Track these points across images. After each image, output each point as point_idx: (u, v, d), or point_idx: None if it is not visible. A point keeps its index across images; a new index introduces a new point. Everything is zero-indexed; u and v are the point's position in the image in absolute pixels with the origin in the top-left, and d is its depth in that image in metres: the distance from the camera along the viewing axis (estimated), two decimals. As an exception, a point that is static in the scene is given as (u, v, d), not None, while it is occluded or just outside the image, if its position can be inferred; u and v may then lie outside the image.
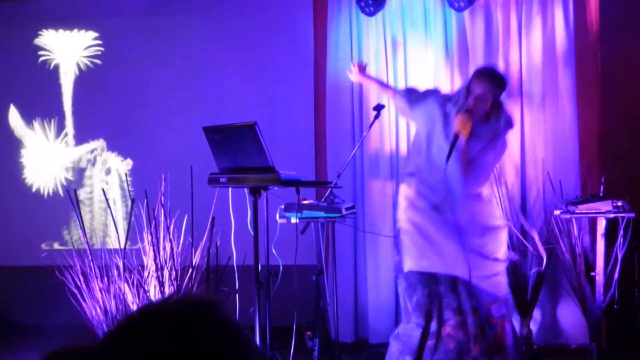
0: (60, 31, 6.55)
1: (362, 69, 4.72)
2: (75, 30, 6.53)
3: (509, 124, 4.20)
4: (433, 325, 4.01)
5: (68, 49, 6.52)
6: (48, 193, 6.54)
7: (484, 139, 4.06)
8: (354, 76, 4.77)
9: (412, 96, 4.38)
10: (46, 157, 6.55)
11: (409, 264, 4.07)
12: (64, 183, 6.49)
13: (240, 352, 1.01)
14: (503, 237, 4.18)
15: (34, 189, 6.58)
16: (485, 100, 4.02)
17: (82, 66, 6.47)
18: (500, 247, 4.14)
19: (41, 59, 6.53)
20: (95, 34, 6.48)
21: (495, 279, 4.06)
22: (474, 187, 4.04)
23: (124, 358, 0.98)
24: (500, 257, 4.10)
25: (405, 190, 4.19)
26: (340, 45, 5.73)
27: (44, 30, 6.53)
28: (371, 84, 5.03)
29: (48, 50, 6.54)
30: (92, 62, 6.47)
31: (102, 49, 6.43)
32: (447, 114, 4.09)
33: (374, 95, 5.60)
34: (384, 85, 4.98)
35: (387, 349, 4.25)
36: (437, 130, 4.11)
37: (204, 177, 4.19)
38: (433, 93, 4.33)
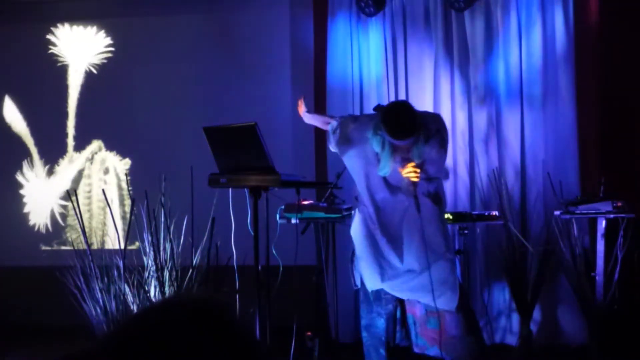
0: (68, 31, 6.55)
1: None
2: (82, 27, 6.53)
3: (436, 125, 3.88)
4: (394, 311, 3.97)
5: (79, 51, 6.51)
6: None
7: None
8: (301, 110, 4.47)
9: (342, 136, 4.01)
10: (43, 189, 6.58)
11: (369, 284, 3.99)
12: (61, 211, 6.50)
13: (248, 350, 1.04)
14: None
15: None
16: (411, 145, 3.73)
17: (93, 69, 6.48)
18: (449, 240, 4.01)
19: (49, 55, 6.54)
20: (97, 34, 6.48)
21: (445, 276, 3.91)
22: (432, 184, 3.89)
23: (136, 354, 1.00)
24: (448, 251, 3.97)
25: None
26: (340, 45, 5.73)
27: (54, 29, 6.53)
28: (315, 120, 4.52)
29: (59, 56, 6.55)
30: (98, 62, 6.48)
31: (112, 48, 6.43)
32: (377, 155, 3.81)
33: (374, 96, 5.60)
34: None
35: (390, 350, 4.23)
36: (372, 171, 3.86)
37: (204, 178, 4.19)
38: (357, 129, 3.94)
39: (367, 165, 3.87)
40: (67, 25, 6.56)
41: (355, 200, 4.09)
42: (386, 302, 3.92)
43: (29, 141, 6.62)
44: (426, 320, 3.82)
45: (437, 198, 3.85)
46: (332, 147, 4.14)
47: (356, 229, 4.02)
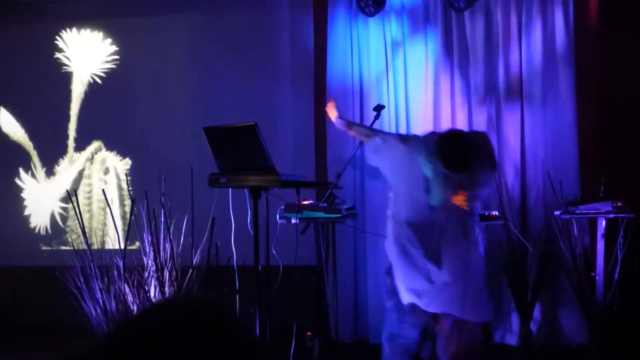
0: (70, 33, 6.55)
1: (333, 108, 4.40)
2: (83, 30, 6.53)
3: (485, 148, 3.86)
4: (429, 325, 3.97)
5: (83, 59, 6.51)
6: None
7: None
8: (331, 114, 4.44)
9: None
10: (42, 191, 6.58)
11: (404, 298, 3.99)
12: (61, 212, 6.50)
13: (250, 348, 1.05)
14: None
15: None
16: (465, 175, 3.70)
17: (97, 79, 6.48)
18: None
19: (49, 56, 6.54)
20: (97, 35, 6.48)
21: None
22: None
23: (138, 352, 1.00)
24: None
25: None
26: (340, 45, 5.73)
27: (54, 29, 6.54)
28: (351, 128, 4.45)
29: (64, 64, 6.54)
30: (101, 73, 6.48)
31: (117, 56, 6.42)
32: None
33: (374, 96, 5.60)
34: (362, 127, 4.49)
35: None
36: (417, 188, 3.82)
37: (204, 178, 4.19)
38: (413, 148, 3.84)
39: (413, 189, 3.81)
40: (69, 29, 6.56)
41: (388, 214, 4.00)
42: (423, 314, 3.89)
43: (29, 143, 6.62)
44: (451, 334, 3.83)
45: (473, 212, 3.86)
46: (372, 163, 4.10)
47: (391, 246, 3.95)
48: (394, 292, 3.94)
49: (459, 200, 3.66)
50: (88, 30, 6.51)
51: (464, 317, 3.77)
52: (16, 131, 6.62)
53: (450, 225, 3.77)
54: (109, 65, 6.40)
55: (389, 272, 3.99)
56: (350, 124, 4.42)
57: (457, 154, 3.56)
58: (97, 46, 6.48)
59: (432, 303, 3.82)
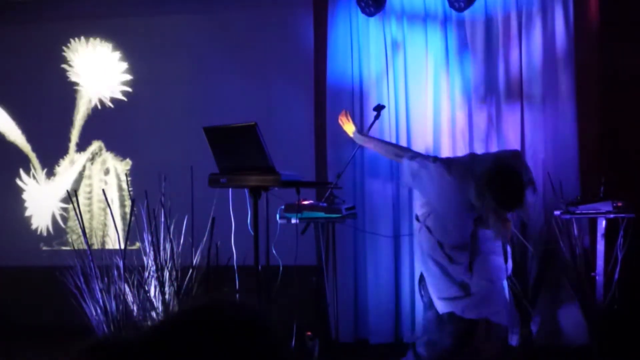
0: (80, 46, 6.55)
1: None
2: (90, 39, 6.53)
3: (527, 173, 3.79)
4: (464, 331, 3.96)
5: (95, 76, 6.50)
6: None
7: None
8: (348, 128, 4.38)
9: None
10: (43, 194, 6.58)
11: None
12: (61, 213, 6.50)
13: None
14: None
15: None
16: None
17: (107, 100, 6.46)
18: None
19: (49, 57, 6.54)
20: (97, 35, 6.48)
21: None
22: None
23: (172, 352, 1.02)
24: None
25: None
26: (340, 45, 5.73)
27: (54, 30, 6.54)
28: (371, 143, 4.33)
29: (75, 83, 6.55)
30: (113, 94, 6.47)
31: (130, 76, 6.41)
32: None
33: (374, 96, 5.60)
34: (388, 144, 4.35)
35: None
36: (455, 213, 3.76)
37: (204, 178, 4.19)
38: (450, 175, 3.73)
39: (459, 212, 3.71)
40: (76, 38, 6.56)
41: (416, 221, 3.93)
42: (459, 321, 3.89)
43: (29, 144, 6.62)
44: (487, 337, 3.84)
45: None
46: (407, 185, 4.03)
47: (426, 259, 3.87)
48: (431, 303, 3.92)
49: (507, 227, 3.66)
50: (97, 40, 6.50)
51: (496, 320, 3.78)
52: (13, 132, 6.62)
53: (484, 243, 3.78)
54: (122, 89, 6.39)
55: (422, 283, 3.96)
56: (377, 143, 4.26)
57: (511, 193, 3.50)
58: (107, 63, 6.45)
59: (467, 309, 3.82)
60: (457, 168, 3.72)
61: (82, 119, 6.49)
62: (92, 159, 6.51)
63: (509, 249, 3.87)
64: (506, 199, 3.49)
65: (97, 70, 6.47)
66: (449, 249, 3.76)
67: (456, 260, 3.76)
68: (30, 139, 6.60)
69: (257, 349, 1.04)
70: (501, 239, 3.68)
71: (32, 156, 6.60)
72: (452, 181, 3.66)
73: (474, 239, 3.74)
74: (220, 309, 1.08)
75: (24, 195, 6.61)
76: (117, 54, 6.45)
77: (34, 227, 6.58)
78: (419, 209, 3.91)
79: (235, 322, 1.06)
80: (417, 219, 3.90)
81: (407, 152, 4.03)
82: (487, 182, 3.49)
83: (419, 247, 3.93)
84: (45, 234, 6.54)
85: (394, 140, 5.49)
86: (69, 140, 6.52)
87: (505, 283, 3.96)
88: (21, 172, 6.60)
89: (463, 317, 3.82)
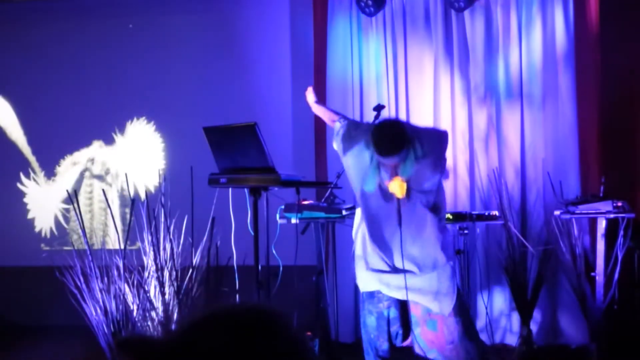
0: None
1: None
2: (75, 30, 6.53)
3: (430, 144, 3.76)
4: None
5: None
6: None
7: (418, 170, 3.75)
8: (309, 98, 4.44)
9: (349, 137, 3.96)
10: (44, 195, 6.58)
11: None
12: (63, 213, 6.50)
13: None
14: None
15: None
16: (398, 162, 3.65)
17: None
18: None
19: (48, 57, 6.54)
20: (96, 35, 6.48)
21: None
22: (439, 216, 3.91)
23: (197, 353, 1.03)
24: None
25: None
26: (340, 45, 5.73)
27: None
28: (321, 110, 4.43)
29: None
30: (90, 61, 6.47)
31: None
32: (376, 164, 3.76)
33: (374, 95, 5.60)
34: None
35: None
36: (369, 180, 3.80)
37: (204, 178, 4.19)
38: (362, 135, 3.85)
39: (363, 172, 3.81)
40: (59, 25, 6.56)
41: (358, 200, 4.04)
42: (378, 300, 3.91)
43: (29, 145, 6.62)
44: (425, 321, 3.82)
45: (436, 207, 3.82)
46: (335, 147, 4.11)
47: (356, 230, 4.01)
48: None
49: (394, 187, 3.65)
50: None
51: (432, 309, 3.78)
52: (15, 127, 6.62)
53: (406, 216, 3.74)
54: (105, 55, 6.38)
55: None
56: (323, 110, 4.40)
57: (386, 139, 3.61)
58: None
59: (394, 289, 3.81)
60: (363, 126, 4.01)
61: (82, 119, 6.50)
62: (92, 159, 6.51)
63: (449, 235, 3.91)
64: (381, 143, 3.59)
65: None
66: (365, 217, 3.90)
67: (374, 230, 3.85)
68: (31, 139, 6.60)
69: (279, 350, 1.04)
70: (412, 206, 3.70)
71: (32, 159, 6.60)
72: (355, 137, 3.88)
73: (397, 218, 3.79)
74: (241, 312, 1.09)
75: (26, 199, 6.61)
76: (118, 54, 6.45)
77: (37, 229, 6.58)
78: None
79: (257, 323, 1.07)
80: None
81: (341, 120, 4.12)
82: (370, 132, 3.66)
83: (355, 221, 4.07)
84: (48, 235, 6.54)
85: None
86: (69, 140, 6.52)
87: (448, 269, 3.87)
88: (21, 175, 6.60)
89: (387, 295, 3.84)
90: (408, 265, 3.75)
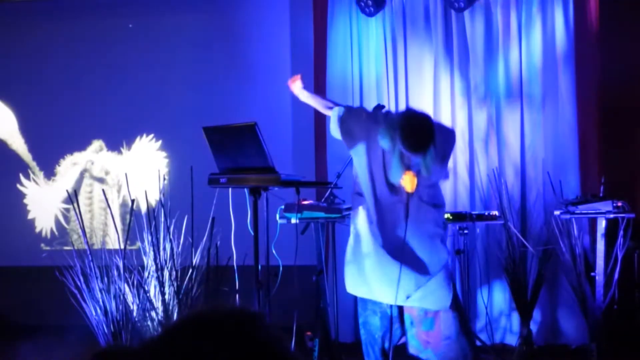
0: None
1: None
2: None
3: (443, 141, 3.74)
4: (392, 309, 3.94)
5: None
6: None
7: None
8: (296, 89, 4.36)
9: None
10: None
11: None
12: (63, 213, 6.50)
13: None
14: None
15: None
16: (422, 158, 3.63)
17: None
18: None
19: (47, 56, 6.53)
20: (96, 35, 6.48)
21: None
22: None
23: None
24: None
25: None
26: (340, 45, 5.73)
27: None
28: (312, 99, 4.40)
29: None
30: (89, 60, 6.47)
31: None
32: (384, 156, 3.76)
33: (374, 95, 5.60)
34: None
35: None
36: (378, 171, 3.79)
37: (204, 178, 4.19)
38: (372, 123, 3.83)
39: (373, 162, 3.80)
40: (57, 26, 6.56)
41: (357, 196, 3.98)
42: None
43: (27, 145, 6.62)
44: (421, 322, 3.82)
45: (437, 203, 3.84)
46: (335, 135, 4.05)
47: (358, 226, 3.95)
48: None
49: (406, 182, 3.64)
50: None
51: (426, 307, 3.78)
52: (15, 128, 6.61)
53: (410, 210, 3.73)
54: (106, 55, 6.37)
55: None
56: (314, 97, 4.37)
57: (419, 135, 3.56)
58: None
59: (391, 296, 3.80)
60: (375, 113, 4.01)
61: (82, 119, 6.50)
62: (92, 159, 6.51)
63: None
64: (412, 137, 3.54)
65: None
66: (369, 207, 3.88)
67: (379, 221, 3.83)
68: (30, 139, 6.60)
69: (254, 351, 1.04)
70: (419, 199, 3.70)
71: (30, 160, 6.60)
72: (368, 124, 3.83)
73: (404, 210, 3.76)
74: (216, 313, 1.09)
75: (26, 199, 6.61)
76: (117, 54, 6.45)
77: (37, 229, 6.58)
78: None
79: (230, 327, 1.06)
80: (359, 194, 3.97)
81: (343, 106, 4.08)
82: (400, 123, 3.57)
83: (357, 217, 4.00)
84: (48, 235, 6.54)
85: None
86: (69, 140, 6.51)
87: (446, 265, 3.88)
88: (21, 176, 6.60)
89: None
90: (408, 263, 3.74)
